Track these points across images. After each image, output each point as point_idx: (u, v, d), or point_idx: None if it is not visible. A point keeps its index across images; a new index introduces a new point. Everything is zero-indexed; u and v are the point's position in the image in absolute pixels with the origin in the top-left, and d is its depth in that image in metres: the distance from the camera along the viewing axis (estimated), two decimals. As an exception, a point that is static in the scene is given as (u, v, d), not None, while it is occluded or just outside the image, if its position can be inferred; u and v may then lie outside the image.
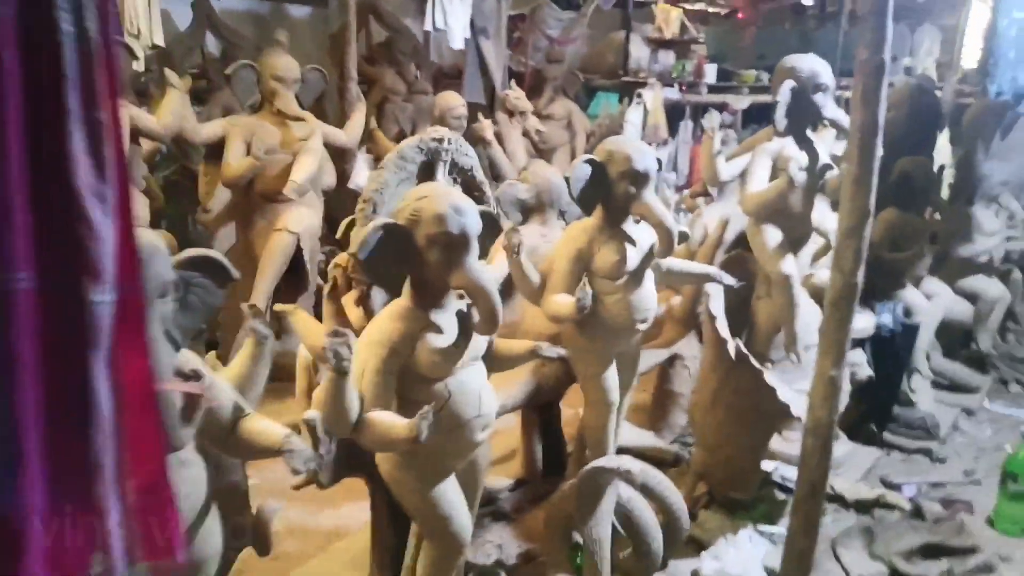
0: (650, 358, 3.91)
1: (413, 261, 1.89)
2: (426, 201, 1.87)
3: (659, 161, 2.60)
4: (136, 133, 3.49)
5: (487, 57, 5.95)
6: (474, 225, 1.88)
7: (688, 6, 8.05)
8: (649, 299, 2.61)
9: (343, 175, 4.54)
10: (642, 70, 7.30)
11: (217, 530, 1.75)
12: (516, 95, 5.71)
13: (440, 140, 2.24)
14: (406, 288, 1.95)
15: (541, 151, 6.12)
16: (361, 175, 4.38)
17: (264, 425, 1.70)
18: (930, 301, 4.33)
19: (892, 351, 3.90)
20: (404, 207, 1.90)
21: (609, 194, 2.52)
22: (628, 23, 7.37)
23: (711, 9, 8.53)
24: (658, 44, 7.50)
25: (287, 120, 4.00)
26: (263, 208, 4.03)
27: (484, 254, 2.22)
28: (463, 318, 1.97)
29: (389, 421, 1.77)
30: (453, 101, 4.63)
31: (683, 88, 7.29)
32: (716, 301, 3.06)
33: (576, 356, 2.68)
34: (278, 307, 2.42)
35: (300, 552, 3.26)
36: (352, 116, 4.35)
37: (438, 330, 1.92)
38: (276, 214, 4.00)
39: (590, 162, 2.51)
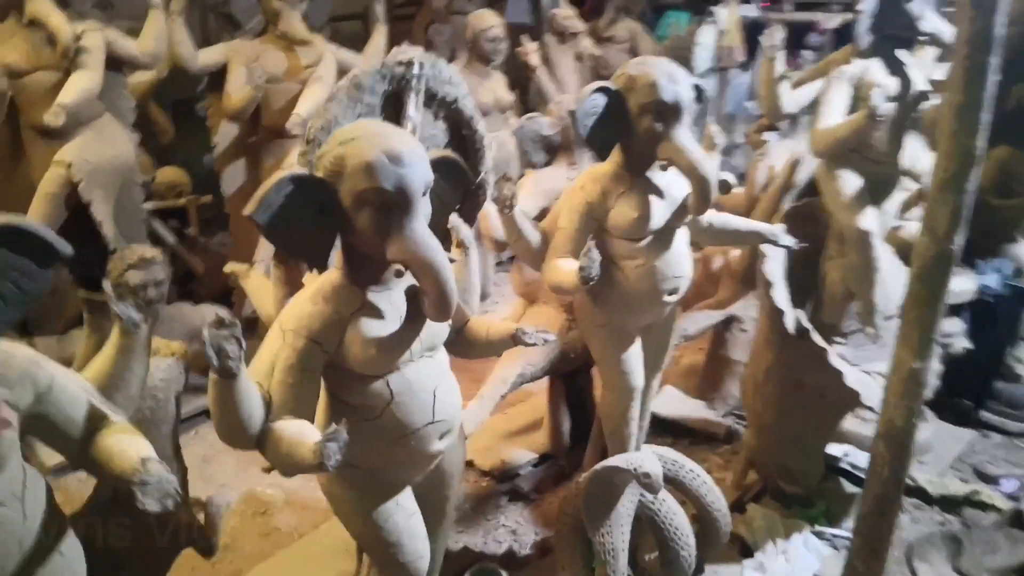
0: (703, 320, 3.44)
1: (340, 226, 1.44)
2: (352, 146, 1.39)
3: (698, 89, 2.04)
4: (115, 60, 3.11)
5: (534, -30, 5.30)
6: (418, 178, 1.40)
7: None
8: (680, 264, 2.08)
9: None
10: (718, -16, 6.54)
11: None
12: (565, 14, 5.09)
13: (408, 64, 1.74)
14: (335, 260, 1.49)
15: (602, 78, 5.51)
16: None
17: (122, 443, 1.29)
18: (1047, 256, 3.64)
19: (996, 319, 3.26)
20: (324, 153, 1.42)
21: (629, 132, 1.98)
22: (703, -70, 6.60)
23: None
24: (737, -46, 6.69)
25: (294, 45, 3.56)
26: (270, 145, 3.66)
27: (469, 218, 1.78)
28: (414, 297, 1.52)
29: (296, 437, 1.33)
30: (487, 21, 4.06)
31: (764, 4, 6.51)
32: (773, 263, 2.51)
33: (590, 332, 2.20)
34: (228, 267, 2.03)
35: (293, 528, 2.99)
36: (372, 39, 3.86)
37: (376, 313, 1.48)
38: (285, 152, 3.61)
39: (604, 91, 1.96)
